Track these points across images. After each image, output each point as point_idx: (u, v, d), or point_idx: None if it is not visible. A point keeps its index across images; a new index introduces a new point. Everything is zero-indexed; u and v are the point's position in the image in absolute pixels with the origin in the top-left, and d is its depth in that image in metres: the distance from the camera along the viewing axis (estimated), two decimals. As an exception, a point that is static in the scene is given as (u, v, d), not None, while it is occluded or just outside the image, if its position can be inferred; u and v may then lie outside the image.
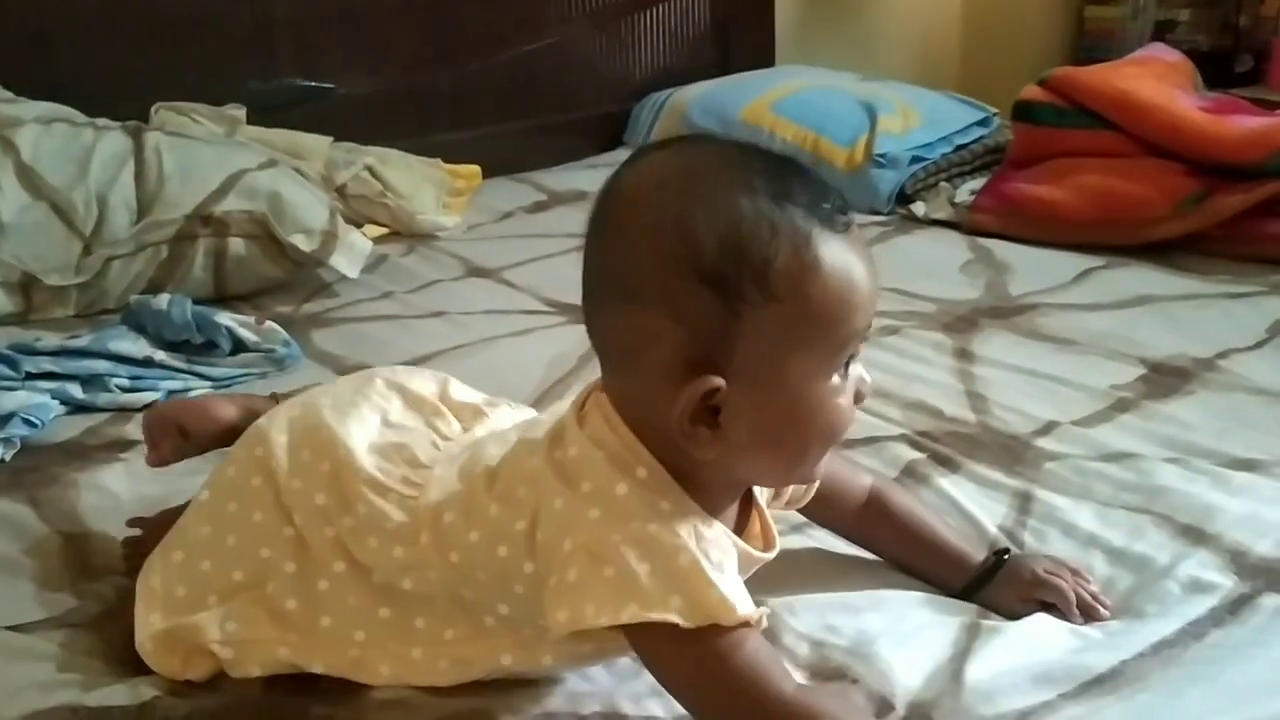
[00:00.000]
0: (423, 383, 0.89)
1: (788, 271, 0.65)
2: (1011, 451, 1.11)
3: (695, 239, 0.65)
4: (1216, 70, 2.60)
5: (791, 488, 0.82)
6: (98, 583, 0.95)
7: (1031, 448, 1.12)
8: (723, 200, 0.65)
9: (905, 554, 0.91)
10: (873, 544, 0.93)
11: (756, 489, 0.78)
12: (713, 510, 0.71)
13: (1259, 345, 1.35)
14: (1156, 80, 1.86)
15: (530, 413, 0.92)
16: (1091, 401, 1.22)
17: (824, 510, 0.89)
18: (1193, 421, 1.16)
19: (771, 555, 0.77)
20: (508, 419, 0.88)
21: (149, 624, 0.82)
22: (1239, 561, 0.90)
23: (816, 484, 0.83)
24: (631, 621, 0.65)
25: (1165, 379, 1.26)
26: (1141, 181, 1.71)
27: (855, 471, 0.92)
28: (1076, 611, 0.84)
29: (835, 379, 0.69)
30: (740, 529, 0.76)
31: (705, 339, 0.65)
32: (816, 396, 0.68)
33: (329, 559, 0.79)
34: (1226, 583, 0.87)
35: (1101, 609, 0.85)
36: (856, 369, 0.71)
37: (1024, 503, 1.02)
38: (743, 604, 0.67)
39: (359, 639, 0.78)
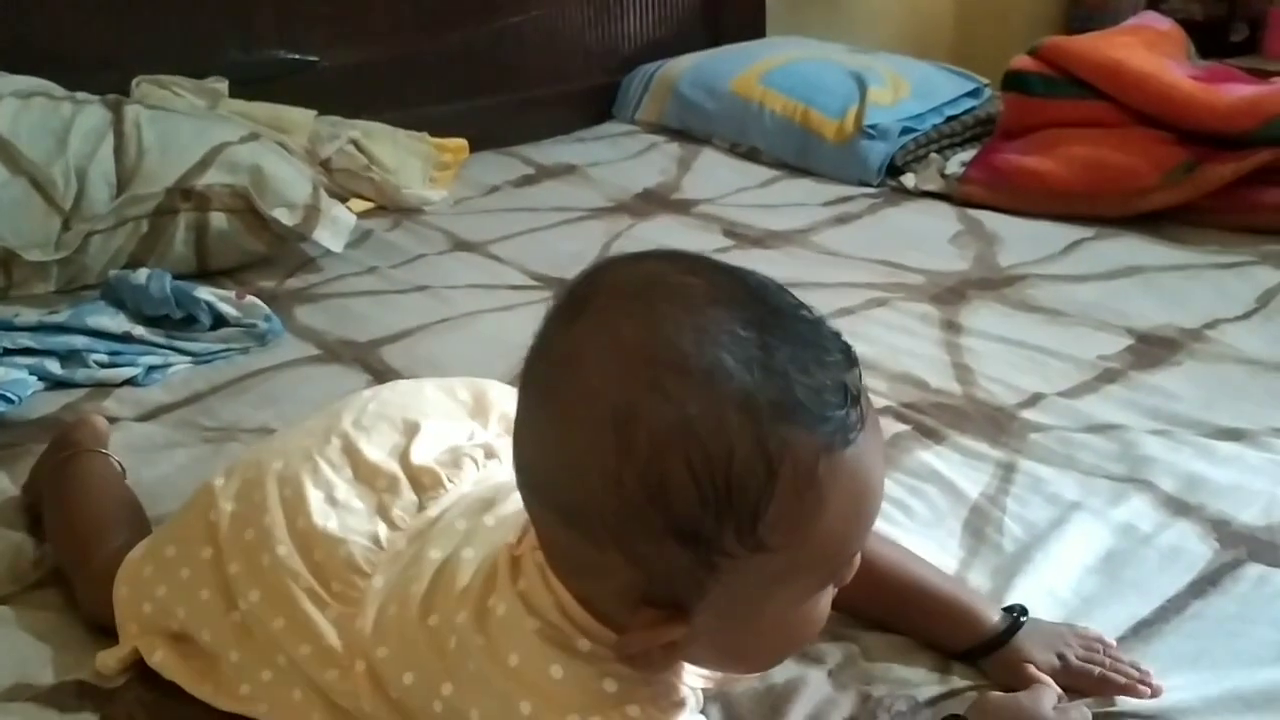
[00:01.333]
0: (381, 440, 0.78)
1: (782, 521, 0.52)
2: (996, 423, 1.11)
3: (667, 484, 0.51)
4: (1211, 39, 2.58)
5: None
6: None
7: (1017, 419, 1.11)
8: (707, 423, 0.51)
9: (903, 616, 0.78)
10: (868, 613, 0.79)
11: None
12: None
13: (1248, 315, 1.34)
14: (1147, 49, 1.84)
15: (495, 464, 0.79)
16: (1078, 372, 1.21)
17: None
18: (1179, 392, 1.15)
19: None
20: (470, 481, 0.77)
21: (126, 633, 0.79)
22: (1221, 530, 0.89)
23: None
24: None
25: (1153, 349, 1.26)
26: (1131, 152, 1.70)
27: None
28: (1134, 688, 0.72)
29: (821, 595, 0.60)
30: None
31: (668, 586, 0.55)
32: (798, 619, 0.59)
33: (272, 652, 0.72)
34: (1207, 551, 0.86)
35: (1152, 683, 0.73)
36: (849, 568, 0.60)
37: (1007, 472, 1.01)
38: None
39: None
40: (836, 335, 0.55)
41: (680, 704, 0.61)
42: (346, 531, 0.72)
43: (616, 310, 0.54)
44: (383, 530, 0.73)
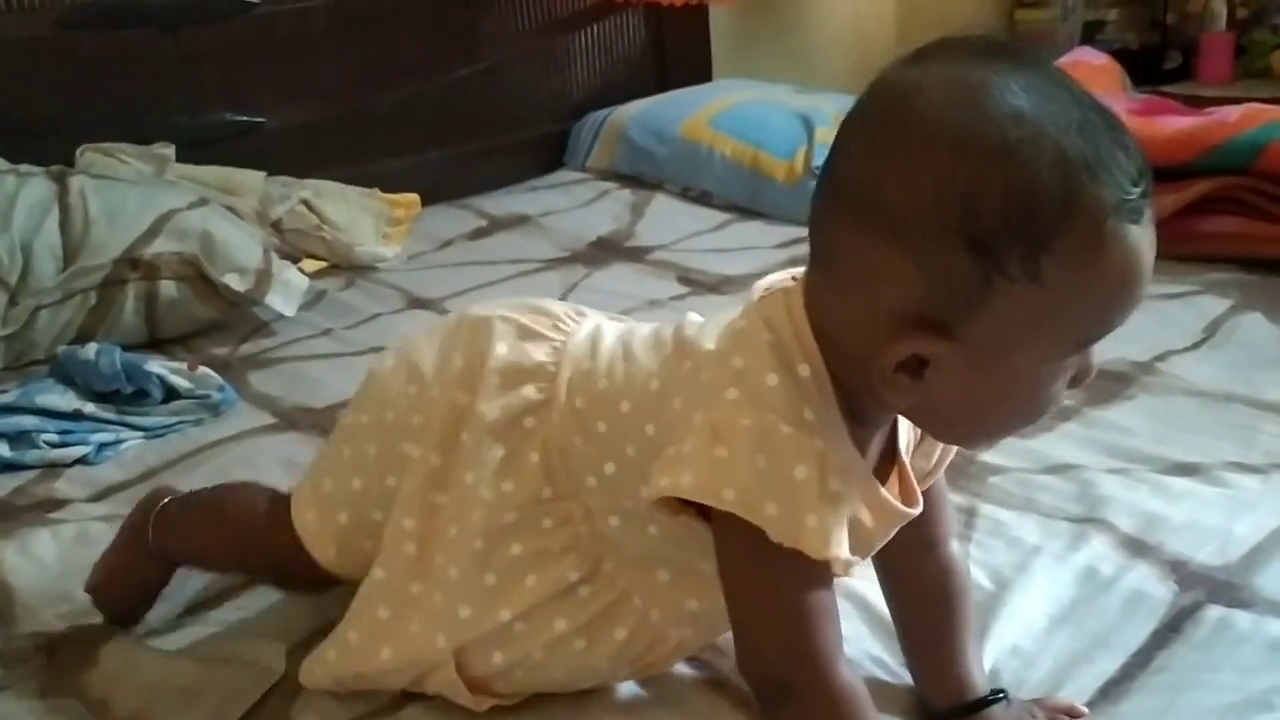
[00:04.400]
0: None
1: (1064, 259, 0.56)
2: (955, 466, 1.10)
3: (980, 193, 0.56)
4: (1147, 68, 2.65)
5: (919, 461, 0.74)
6: (19, 642, 0.94)
7: (975, 462, 1.11)
8: (1030, 154, 0.56)
9: (923, 637, 0.79)
10: (904, 599, 0.80)
11: (901, 444, 0.71)
12: (861, 440, 0.66)
13: (1196, 346, 1.36)
14: (1084, 84, 1.87)
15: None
16: (1033, 411, 1.22)
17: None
18: (1133, 427, 1.17)
19: (915, 511, 0.70)
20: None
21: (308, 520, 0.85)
22: (1180, 571, 0.90)
23: (941, 470, 0.76)
24: (722, 507, 0.61)
25: (1106, 384, 1.27)
26: (1075, 185, 1.72)
27: (951, 516, 0.81)
28: None
29: (1067, 363, 0.62)
30: (881, 476, 0.69)
31: (945, 299, 0.58)
32: (1039, 380, 0.62)
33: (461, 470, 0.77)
34: (1168, 594, 0.87)
35: None
36: (1092, 357, 0.63)
37: (969, 518, 1.01)
38: (835, 543, 0.62)
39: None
40: (1144, 154, 0.60)
41: (860, 476, 0.65)
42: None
43: (962, 59, 0.60)
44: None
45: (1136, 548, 0.94)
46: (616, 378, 0.73)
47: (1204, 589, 0.87)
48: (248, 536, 0.91)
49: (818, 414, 0.63)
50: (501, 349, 0.78)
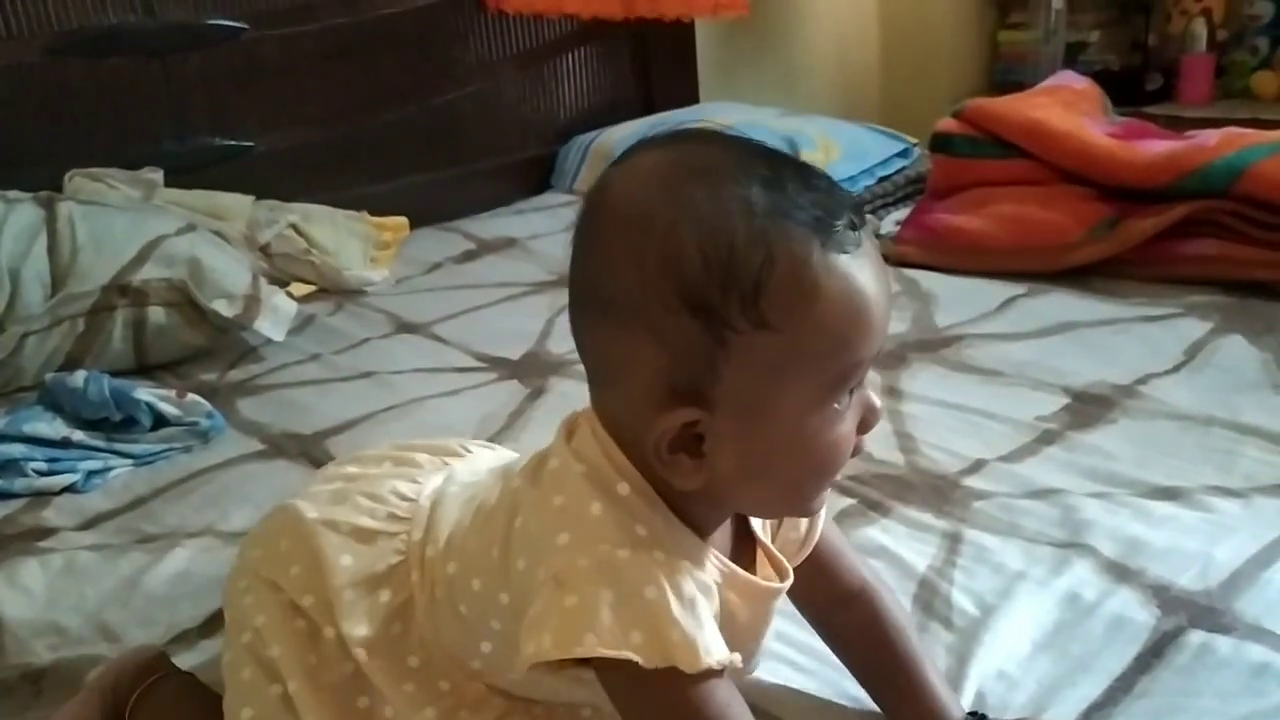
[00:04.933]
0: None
1: (781, 298, 0.59)
2: (940, 491, 1.12)
3: (679, 257, 0.59)
4: (1128, 89, 2.68)
5: (788, 533, 0.76)
6: (6, 672, 0.94)
7: (959, 487, 1.13)
8: (713, 212, 0.59)
9: (875, 678, 0.80)
10: (844, 650, 0.82)
11: (755, 524, 0.73)
12: (705, 534, 0.67)
13: (1176, 369, 1.37)
14: (1065, 108, 1.90)
15: (508, 454, 0.87)
16: (1017, 435, 1.23)
17: (808, 582, 0.77)
18: (1115, 451, 1.18)
19: (785, 585, 0.72)
20: (485, 459, 0.85)
21: None
22: (1161, 596, 0.91)
23: (816, 535, 0.77)
24: (588, 655, 0.61)
25: (1088, 408, 1.28)
26: (1056, 208, 1.75)
27: (855, 555, 0.82)
28: None
29: (835, 406, 0.63)
30: (739, 561, 0.70)
31: (688, 366, 0.61)
32: (811, 428, 0.63)
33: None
34: (1150, 619, 0.88)
35: None
36: (864, 393, 0.65)
37: (953, 543, 1.02)
38: (710, 649, 0.62)
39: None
40: (845, 190, 0.63)
41: (701, 567, 0.65)
42: (372, 480, 0.80)
43: (649, 149, 0.64)
44: (409, 477, 0.80)
45: (1119, 572, 0.95)
46: (466, 555, 0.72)
47: (1186, 614, 0.88)
48: None
49: (650, 527, 0.64)
50: (346, 560, 0.75)
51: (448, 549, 0.73)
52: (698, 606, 0.63)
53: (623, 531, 0.63)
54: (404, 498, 0.78)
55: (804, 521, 0.76)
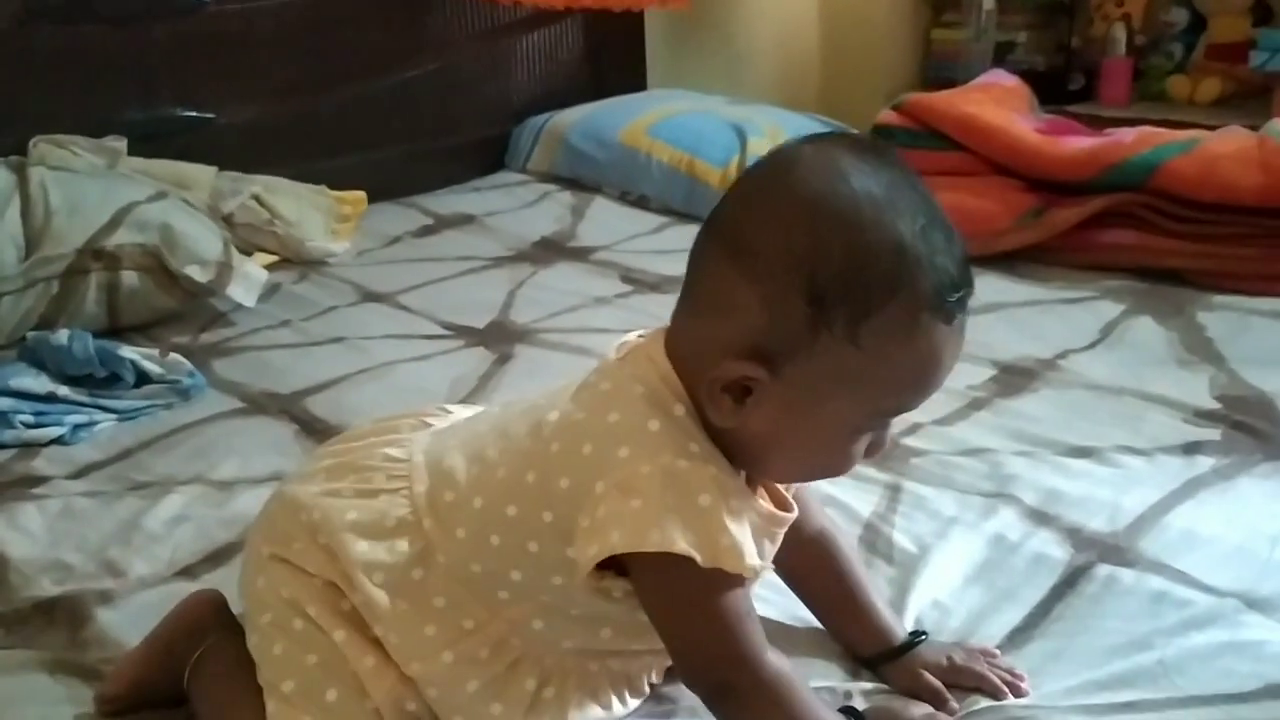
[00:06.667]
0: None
1: (881, 331, 0.66)
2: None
3: (824, 252, 0.66)
4: (1052, 88, 2.81)
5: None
6: (18, 604, 1.00)
7: (900, 445, 1.24)
8: (870, 232, 0.66)
9: (830, 605, 0.90)
10: (801, 583, 0.91)
11: None
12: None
13: (1093, 345, 1.51)
14: (996, 104, 2.03)
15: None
16: (950, 401, 1.34)
17: None
18: (1038, 415, 1.30)
19: (792, 516, 0.79)
20: (465, 416, 0.88)
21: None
22: (1075, 537, 1.03)
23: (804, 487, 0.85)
24: (653, 550, 0.67)
25: (1014, 378, 1.41)
26: (987, 198, 1.87)
27: (817, 503, 0.90)
28: (1004, 689, 0.83)
29: (865, 431, 0.72)
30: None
31: (779, 337, 0.67)
32: (837, 438, 0.72)
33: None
34: (1065, 556, 1.00)
35: (1021, 685, 0.84)
36: (886, 431, 0.75)
37: (894, 494, 1.13)
38: (749, 554, 0.69)
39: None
40: (971, 269, 0.70)
41: (744, 488, 0.73)
42: (358, 452, 0.83)
43: (845, 147, 0.70)
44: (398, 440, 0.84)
45: (1039, 518, 1.07)
46: (494, 487, 0.76)
47: (1095, 551, 1.01)
48: None
49: (701, 446, 0.71)
50: (352, 516, 0.78)
51: (470, 488, 0.77)
52: (740, 517, 0.71)
53: (679, 446, 0.70)
54: (396, 460, 0.82)
55: None
